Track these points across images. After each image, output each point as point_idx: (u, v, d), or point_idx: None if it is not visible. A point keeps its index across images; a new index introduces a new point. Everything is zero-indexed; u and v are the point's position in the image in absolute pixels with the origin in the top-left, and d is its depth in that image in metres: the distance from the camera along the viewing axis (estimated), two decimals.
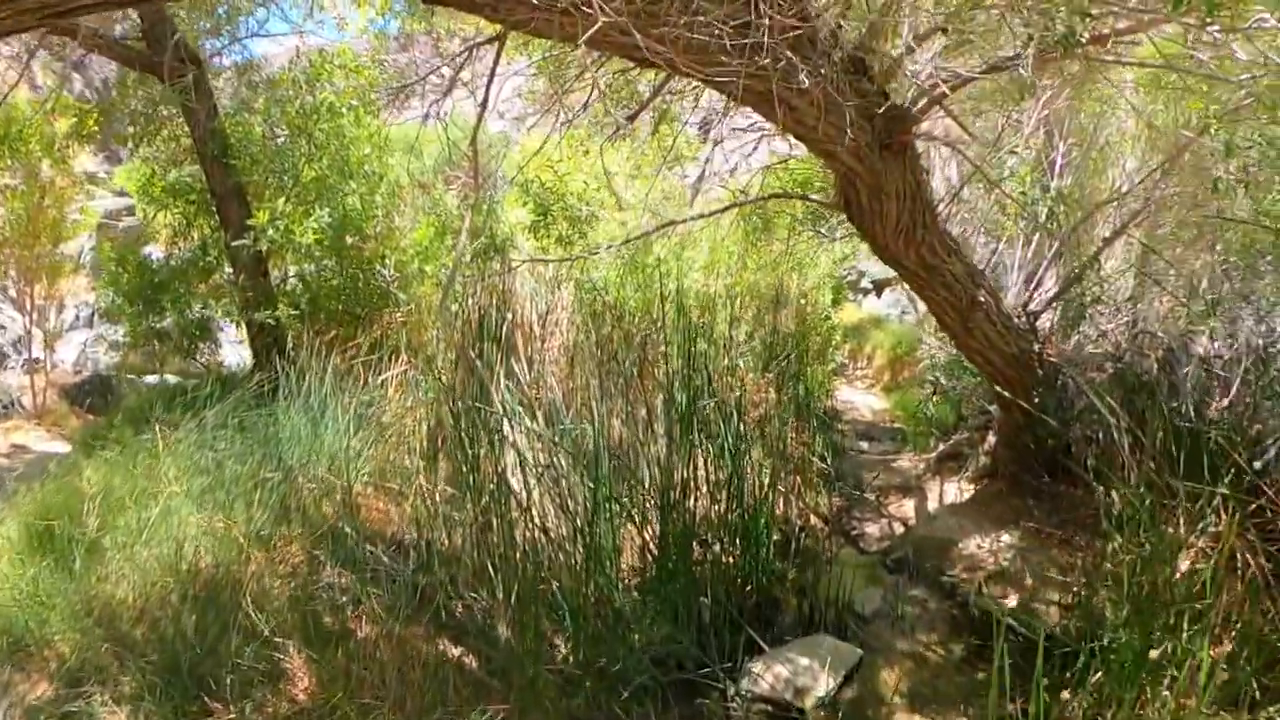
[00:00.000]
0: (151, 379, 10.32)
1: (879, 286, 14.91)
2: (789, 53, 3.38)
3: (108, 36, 6.83)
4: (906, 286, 13.82)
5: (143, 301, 7.72)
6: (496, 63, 3.95)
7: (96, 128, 8.94)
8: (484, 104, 4.08)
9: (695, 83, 6.00)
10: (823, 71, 3.55)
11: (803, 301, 10.10)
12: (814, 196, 5.68)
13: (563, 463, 5.37)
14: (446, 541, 5.21)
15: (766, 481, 5.64)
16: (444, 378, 6.02)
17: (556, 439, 5.47)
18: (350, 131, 7.31)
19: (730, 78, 3.26)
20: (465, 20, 7.62)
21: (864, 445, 9.50)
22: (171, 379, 9.45)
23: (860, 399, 11.81)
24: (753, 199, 5.89)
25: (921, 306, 13.39)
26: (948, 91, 3.87)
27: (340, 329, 7.07)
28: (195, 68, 6.74)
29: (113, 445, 6.08)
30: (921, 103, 4.11)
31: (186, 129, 7.39)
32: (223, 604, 4.39)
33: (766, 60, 3.28)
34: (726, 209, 6.57)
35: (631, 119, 4.69)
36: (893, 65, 4.01)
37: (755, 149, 18.67)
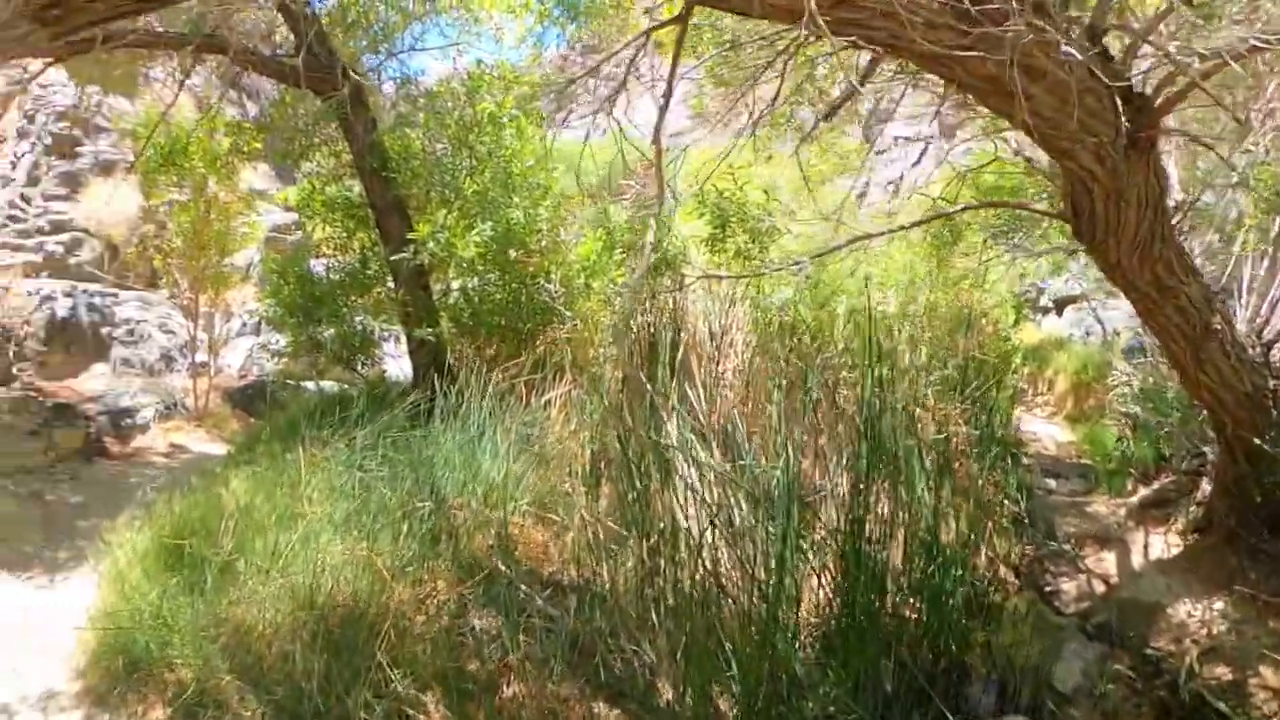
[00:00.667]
0: (311, 386, 10.34)
1: (1060, 304, 13.80)
2: (1035, 21, 2.73)
3: (259, 53, 6.72)
4: (1092, 304, 12.85)
5: (302, 313, 7.61)
6: (679, 51, 3.43)
7: (259, 144, 8.98)
8: (667, 96, 3.57)
9: (884, 78, 5.44)
10: (1065, 49, 2.87)
11: (983, 321, 9.27)
12: (1036, 206, 4.94)
13: (742, 502, 4.80)
14: (608, 582, 4.70)
15: (959, 527, 4.94)
16: (611, 401, 5.57)
17: (735, 474, 4.90)
18: (512, 143, 6.99)
19: (955, 58, 2.67)
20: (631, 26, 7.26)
21: (1050, 483, 8.53)
22: (331, 386, 9.38)
23: (1041, 429, 10.78)
24: (961, 208, 5.20)
25: (1109, 326, 12.35)
26: (1195, 78, 3.11)
27: (502, 345, 6.75)
28: (352, 82, 6.55)
29: (261, 459, 5.93)
30: (1168, 90, 3.36)
31: (346, 144, 7.26)
32: (358, 643, 4.03)
33: (1006, 32, 2.66)
34: (933, 218, 5.88)
35: (829, 115, 4.11)
36: (1135, 42, 3.29)
37: (919, 160, 17.95)
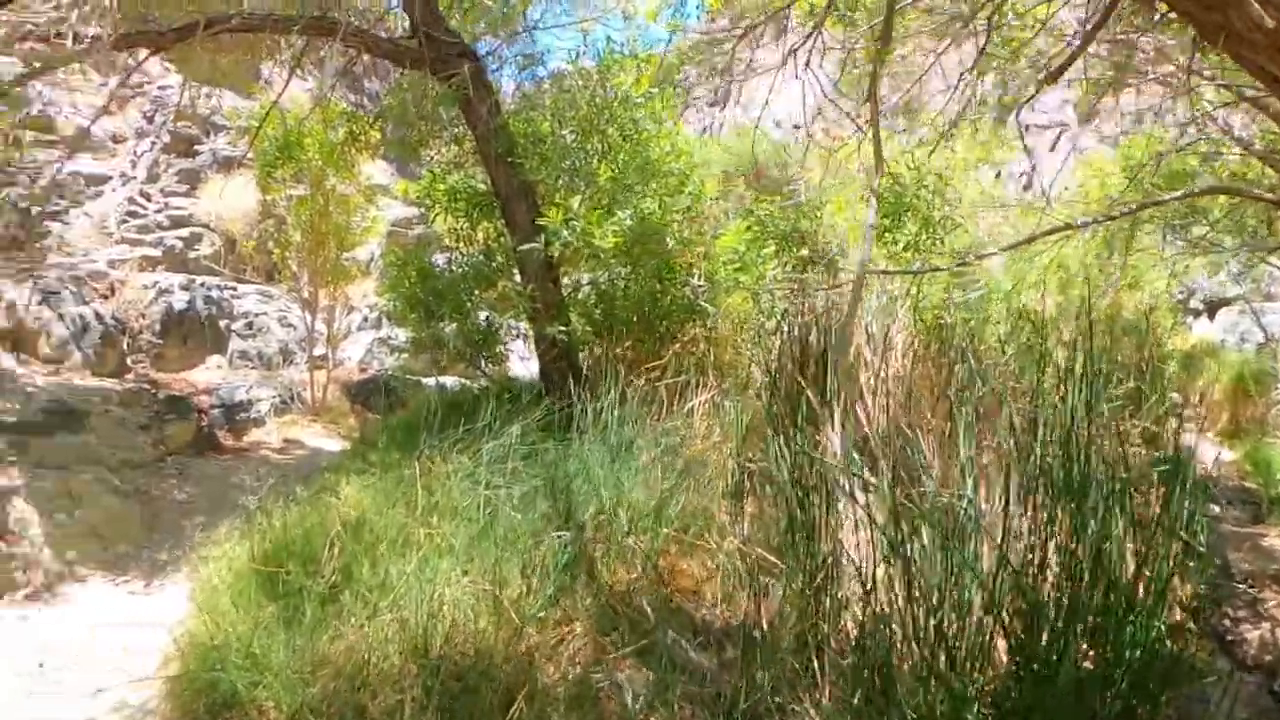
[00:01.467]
0: (430, 382, 10.23)
1: (1212, 307, 12.76)
2: None
3: (373, 35, 6.33)
4: (1251, 306, 11.81)
5: (424, 307, 7.26)
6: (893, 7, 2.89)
7: (378, 133, 8.73)
8: (878, 59, 3.02)
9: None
10: None
11: (1150, 324, 8.43)
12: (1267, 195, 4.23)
13: (923, 535, 4.14)
14: (764, 625, 4.06)
15: (1144, 565, 4.22)
16: (761, 408, 5.01)
17: (913, 503, 4.24)
18: (648, 127, 6.49)
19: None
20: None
21: (1214, 509, 7.65)
22: (453, 383, 9.07)
23: (1198, 447, 9.83)
24: (1180, 195, 4.50)
25: (1271, 331, 11.31)
26: None
27: (638, 344, 6.23)
28: (472, 63, 6.15)
29: (374, 467, 5.46)
30: None
31: (466, 129, 6.81)
32: (479, 697, 3.47)
33: None
34: (1143, 207, 5.17)
35: (1053, 77, 3.50)
36: None
37: (1054, 146, 16.98)
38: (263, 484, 6.36)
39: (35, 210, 11.13)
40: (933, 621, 3.46)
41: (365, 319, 12.87)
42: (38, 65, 7.48)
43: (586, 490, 4.63)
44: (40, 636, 5.02)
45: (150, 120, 13.73)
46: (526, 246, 6.16)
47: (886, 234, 6.43)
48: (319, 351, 10.74)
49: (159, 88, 14.12)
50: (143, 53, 6.33)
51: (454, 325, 7.21)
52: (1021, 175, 15.09)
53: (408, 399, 10.08)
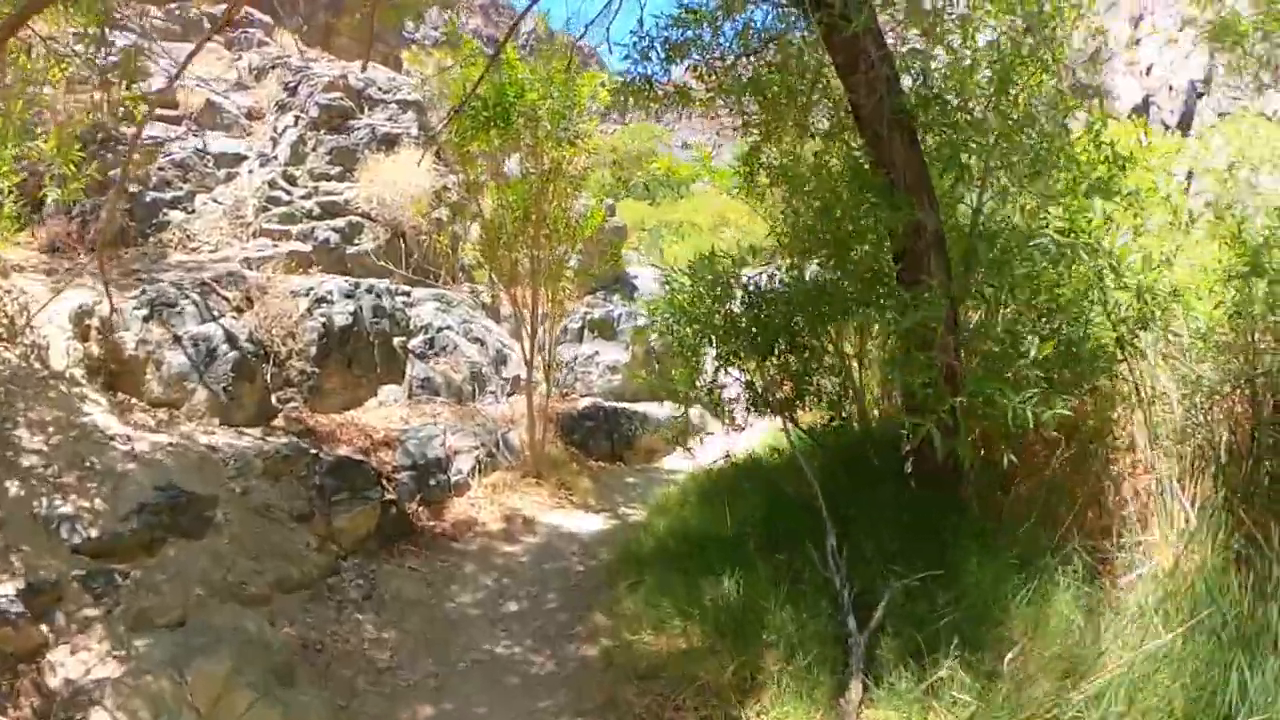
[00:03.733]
0: (660, 413, 8.40)
1: None
2: None
3: None
4: None
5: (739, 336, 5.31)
6: None
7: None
8: None
9: None
10: None
11: None
12: None
13: None
14: None
15: None
16: None
17: None
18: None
19: None
20: None
21: None
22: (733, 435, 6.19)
23: None
24: None
25: None
26: None
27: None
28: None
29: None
30: None
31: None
32: None
33: None
34: None
35: None
36: None
37: None
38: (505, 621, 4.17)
39: (151, 197, 8.44)
40: None
41: (566, 330, 9.89)
42: None
43: None
44: None
45: (293, 92, 11.17)
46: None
47: None
48: (526, 375, 7.67)
49: (305, 59, 11.54)
50: None
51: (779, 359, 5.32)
52: None
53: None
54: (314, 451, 5.91)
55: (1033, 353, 3.75)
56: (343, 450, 6.31)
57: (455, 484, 6.70)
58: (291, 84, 11.27)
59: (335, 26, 14.81)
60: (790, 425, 5.48)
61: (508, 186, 7.19)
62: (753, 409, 5.55)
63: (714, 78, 4.96)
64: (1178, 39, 16.66)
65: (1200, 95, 16.61)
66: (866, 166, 4.76)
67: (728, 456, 6.16)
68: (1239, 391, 4.00)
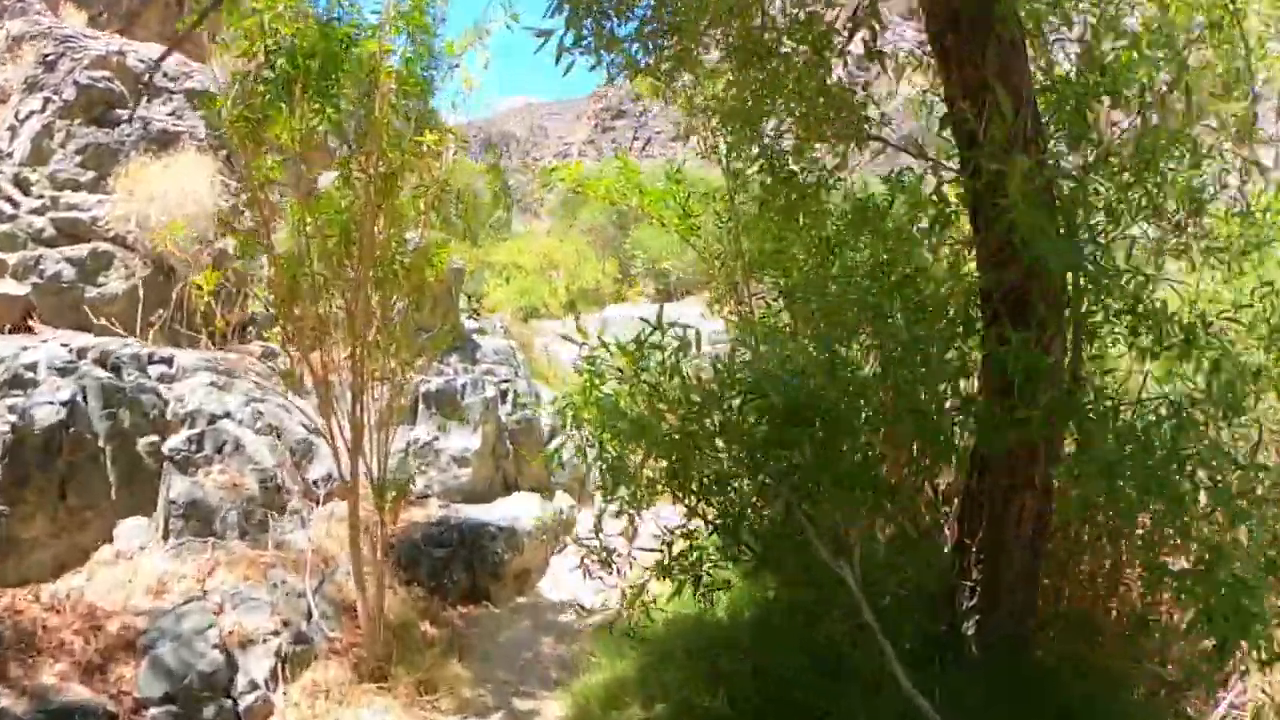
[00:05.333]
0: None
1: None
2: None
3: None
4: None
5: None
6: None
7: None
8: None
9: None
10: None
11: None
12: None
13: None
14: None
15: None
16: None
17: None
18: None
19: None
20: None
21: None
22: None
23: None
24: None
25: None
26: None
27: None
28: None
29: None
30: None
31: None
32: None
33: None
34: None
35: None
36: None
37: None
38: None
39: None
40: None
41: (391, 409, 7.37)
42: None
43: None
44: None
45: (50, 68, 8.34)
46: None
47: None
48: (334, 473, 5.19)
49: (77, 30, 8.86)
50: None
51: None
52: None
53: None
54: None
55: None
56: (47, 677, 3.71)
57: (246, 711, 4.21)
58: (51, 57, 8.37)
59: (139, 14, 11.91)
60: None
61: (315, 202, 4.70)
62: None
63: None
64: None
65: None
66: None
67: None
68: None
